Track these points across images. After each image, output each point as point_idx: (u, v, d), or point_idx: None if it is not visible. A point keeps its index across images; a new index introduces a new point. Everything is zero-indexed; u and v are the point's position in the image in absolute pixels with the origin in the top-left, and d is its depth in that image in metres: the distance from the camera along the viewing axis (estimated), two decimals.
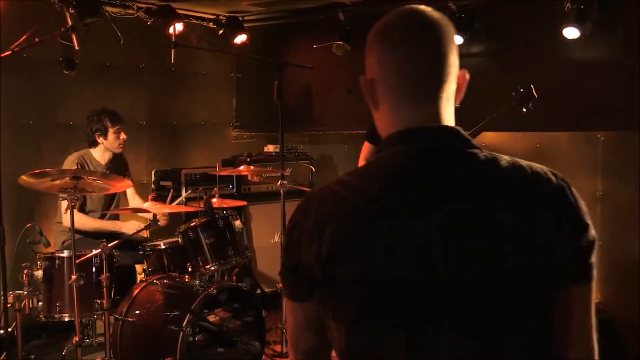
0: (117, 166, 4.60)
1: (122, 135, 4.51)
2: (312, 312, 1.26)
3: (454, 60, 1.23)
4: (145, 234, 4.43)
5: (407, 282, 1.15)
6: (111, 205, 4.59)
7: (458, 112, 1.27)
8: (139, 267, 4.43)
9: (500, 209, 1.15)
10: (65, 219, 4.10)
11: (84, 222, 4.32)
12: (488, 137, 4.84)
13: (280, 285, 4.12)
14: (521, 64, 4.86)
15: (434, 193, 1.16)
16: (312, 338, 1.31)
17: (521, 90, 3.98)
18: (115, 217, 4.63)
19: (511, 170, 1.18)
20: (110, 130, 4.45)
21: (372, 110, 1.29)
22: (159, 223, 4.16)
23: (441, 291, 1.13)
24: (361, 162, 4.46)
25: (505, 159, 1.20)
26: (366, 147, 4.44)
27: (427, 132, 1.21)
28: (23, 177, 3.46)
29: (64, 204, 3.61)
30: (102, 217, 4.53)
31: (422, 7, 1.24)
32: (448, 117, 1.24)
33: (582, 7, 4.31)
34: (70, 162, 4.37)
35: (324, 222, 1.19)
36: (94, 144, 4.51)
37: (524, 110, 3.98)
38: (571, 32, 4.43)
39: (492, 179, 1.17)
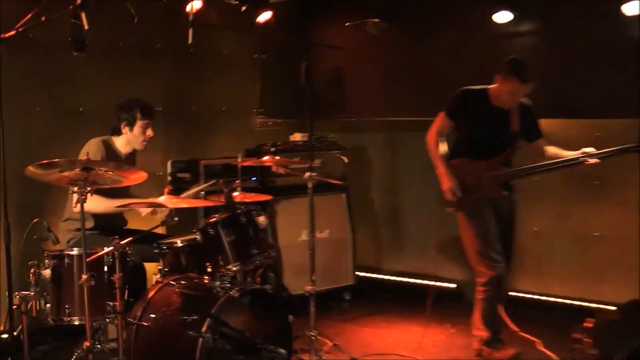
0: (132, 163, 4.55)
1: (149, 132, 4.47)
2: None
3: None
4: (160, 230, 4.36)
5: None
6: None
7: None
8: (148, 266, 4.35)
9: None
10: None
11: (104, 204, 4.15)
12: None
13: (309, 288, 4.01)
14: (576, 43, 4.74)
15: None
16: None
17: None
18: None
19: None
20: (138, 123, 4.42)
21: None
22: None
23: None
24: (432, 137, 4.27)
25: None
26: (441, 120, 4.25)
27: None
28: (30, 167, 3.38)
29: (75, 196, 3.50)
30: None
31: None
32: None
33: None
34: (94, 147, 4.24)
35: None
36: (117, 132, 4.46)
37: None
38: (632, 8, 4.38)
39: None
